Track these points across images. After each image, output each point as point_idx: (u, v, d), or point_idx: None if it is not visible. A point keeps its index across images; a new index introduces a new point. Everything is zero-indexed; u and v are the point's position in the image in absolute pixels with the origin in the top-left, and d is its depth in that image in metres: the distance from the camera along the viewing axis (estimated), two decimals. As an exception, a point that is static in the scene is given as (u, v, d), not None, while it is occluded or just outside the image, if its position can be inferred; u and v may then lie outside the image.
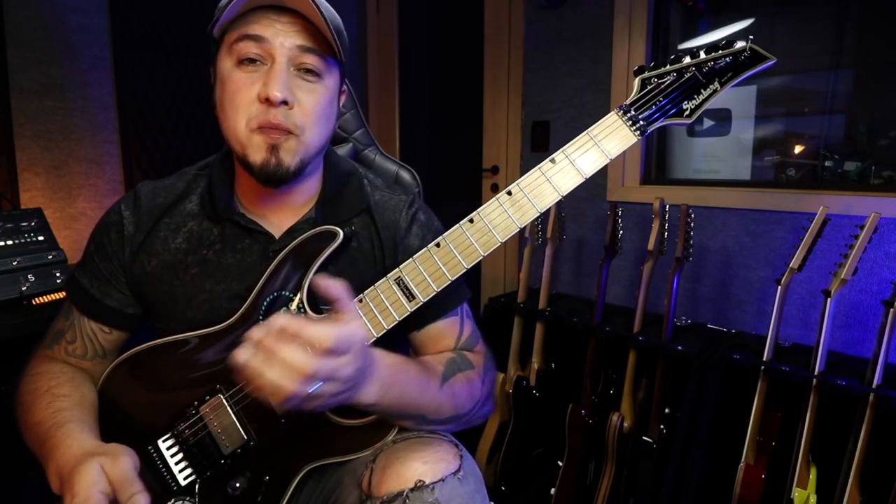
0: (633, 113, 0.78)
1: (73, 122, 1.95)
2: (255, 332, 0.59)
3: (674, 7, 2.00)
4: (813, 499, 1.37)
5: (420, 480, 0.69)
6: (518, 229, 0.79)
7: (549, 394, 1.93)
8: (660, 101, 0.78)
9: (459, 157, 2.73)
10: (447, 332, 0.92)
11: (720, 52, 0.76)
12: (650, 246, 1.66)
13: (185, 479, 0.79)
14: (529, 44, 2.29)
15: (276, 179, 0.78)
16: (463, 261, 0.78)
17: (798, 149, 1.83)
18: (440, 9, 2.85)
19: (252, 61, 0.76)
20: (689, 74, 0.77)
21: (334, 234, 0.81)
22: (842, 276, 1.34)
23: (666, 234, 1.66)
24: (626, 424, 1.69)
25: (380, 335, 0.78)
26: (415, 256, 0.77)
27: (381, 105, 2.95)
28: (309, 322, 0.58)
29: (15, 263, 1.43)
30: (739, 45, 0.75)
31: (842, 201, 1.58)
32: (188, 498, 0.78)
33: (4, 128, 1.80)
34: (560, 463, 1.81)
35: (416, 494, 0.68)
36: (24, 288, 1.42)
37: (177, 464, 0.79)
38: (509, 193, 0.78)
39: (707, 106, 0.78)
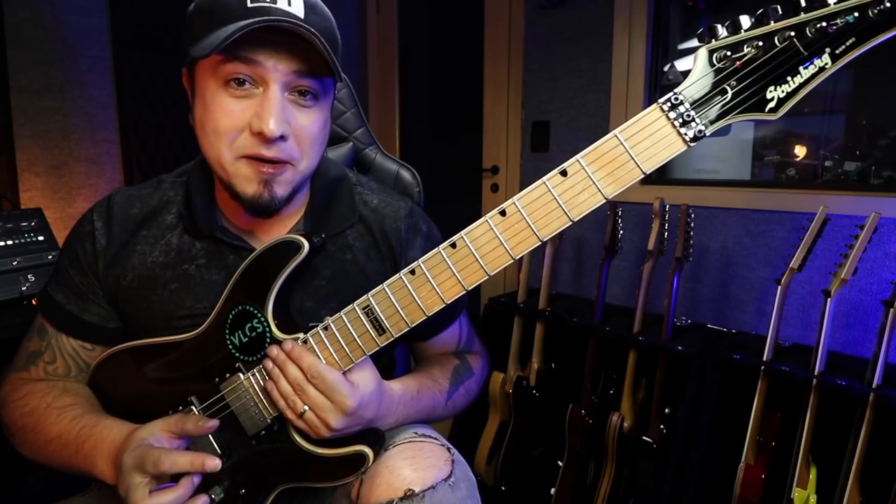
0: (685, 107, 0.54)
1: (73, 122, 1.95)
2: (292, 372, 0.70)
3: (674, 7, 1.99)
4: (813, 499, 1.36)
5: (410, 489, 0.67)
6: (512, 261, 0.62)
7: (549, 394, 1.93)
8: (731, 88, 0.54)
9: (459, 157, 2.73)
10: (449, 341, 0.95)
11: (841, 3, 0.50)
12: (650, 246, 1.66)
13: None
14: (529, 44, 2.29)
15: (269, 211, 0.74)
16: (442, 294, 0.65)
17: (798, 149, 1.83)
18: (440, 9, 2.85)
19: (240, 83, 0.69)
20: (783, 43, 0.52)
21: (299, 245, 0.72)
22: (842, 276, 1.34)
23: (666, 234, 1.66)
24: (626, 424, 1.69)
25: (347, 368, 0.71)
26: (386, 284, 0.67)
27: (381, 105, 2.95)
28: (337, 382, 0.68)
29: (15, 263, 1.43)
30: None
31: (842, 201, 1.58)
32: None
33: (4, 128, 1.80)
34: (560, 463, 1.81)
35: None
36: (24, 288, 1.42)
37: None
38: (503, 213, 0.60)
39: (804, 93, 0.53)
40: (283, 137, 0.70)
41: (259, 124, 0.68)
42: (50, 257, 1.50)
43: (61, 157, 1.94)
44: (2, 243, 1.44)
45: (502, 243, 0.62)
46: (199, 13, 0.71)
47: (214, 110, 0.70)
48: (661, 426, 1.62)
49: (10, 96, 1.80)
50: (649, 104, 0.59)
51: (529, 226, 0.60)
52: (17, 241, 1.47)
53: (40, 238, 1.52)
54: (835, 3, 0.50)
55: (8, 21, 1.77)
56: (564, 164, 0.59)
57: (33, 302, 1.45)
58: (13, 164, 1.83)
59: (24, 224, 1.51)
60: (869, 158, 1.67)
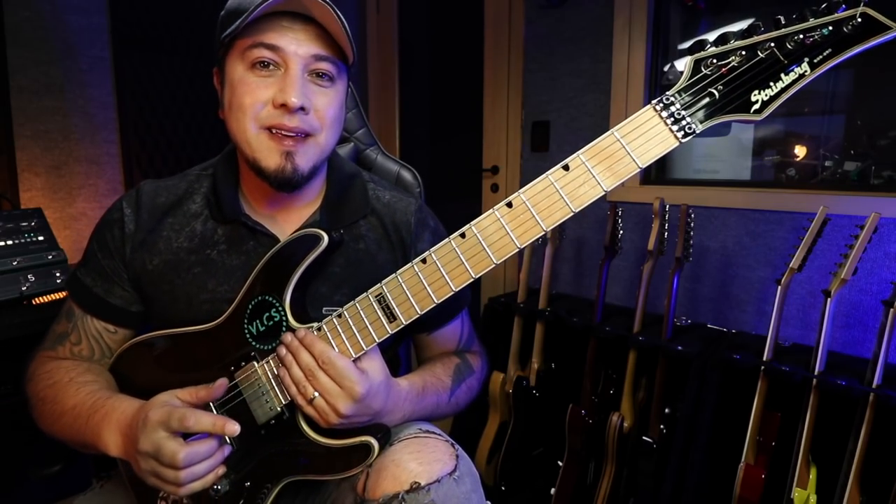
0: (676, 108, 0.60)
1: (73, 122, 1.95)
2: (305, 358, 0.72)
3: (674, 7, 2.00)
4: (813, 499, 1.37)
5: (415, 482, 0.68)
6: (517, 250, 0.66)
7: (549, 394, 1.93)
8: (718, 91, 0.59)
9: (459, 157, 2.73)
10: (451, 336, 0.98)
11: (817, 19, 0.56)
12: (650, 246, 1.66)
13: None
14: (529, 44, 2.29)
15: (292, 184, 0.79)
16: (451, 282, 0.69)
17: (798, 149, 1.83)
18: (440, 9, 2.85)
19: (265, 65, 0.76)
20: (765, 53, 0.58)
21: (319, 238, 0.77)
22: (842, 276, 1.34)
23: (666, 234, 1.66)
24: (626, 424, 1.69)
25: (357, 356, 0.74)
26: (399, 272, 0.71)
27: (381, 105, 2.95)
28: (347, 369, 0.70)
29: (15, 263, 1.43)
30: (846, 10, 0.55)
31: (842, 201, 1.58)
32: None
33: (4, 128, 1.80)
34: (560, 463, 1.81)
35: (412, 496, 0.67)
36: (24, 288, 1.42)
37: None
38: (509, 205, 0.65)
39: (786, 97, 0.58)
40: (303, 109, 0.75)
41: (282, 97, 0.74)
42: (50, 257, 1.50)
43: (61, 157, 1.94)
44: (2, 243, 1.44)
45: (508, 233, 0.66)
46: (227, 15, 0.78)
47: (240, 88, 0.76)
48: (661, 426, 1.63)
49: (10, 96, 1.80)
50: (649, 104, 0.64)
51: (534, 216, 0.64)
52: (17, 241, 1.47)
53: (40, 238, 1.52)
54: (812, 20, 0.57)
55: (8, 21, 1.77)
56: (566, 160, 0.63)
57: (34, 302, 1.45)
58: (13, 164, 1.83)
59: (24, 224, 1.51)
60: (869, 158, 1.67)
